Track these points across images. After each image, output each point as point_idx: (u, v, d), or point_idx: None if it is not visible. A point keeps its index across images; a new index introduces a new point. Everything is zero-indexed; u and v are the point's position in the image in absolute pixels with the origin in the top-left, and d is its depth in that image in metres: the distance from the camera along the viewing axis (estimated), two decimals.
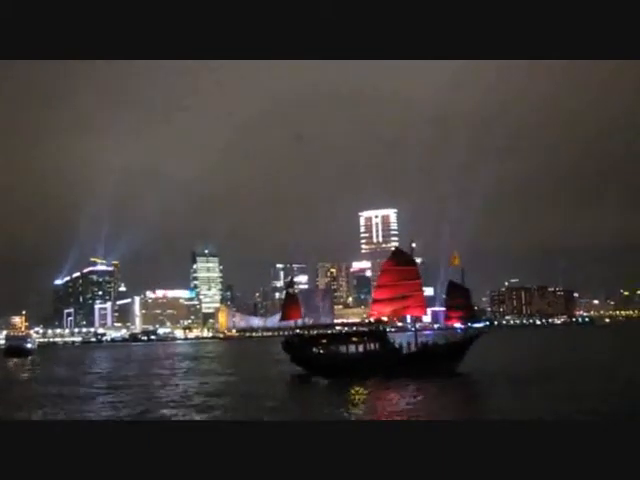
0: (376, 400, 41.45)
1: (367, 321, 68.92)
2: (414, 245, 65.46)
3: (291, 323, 72.69)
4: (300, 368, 62.22)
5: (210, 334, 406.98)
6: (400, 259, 64.74)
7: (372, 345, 59.03)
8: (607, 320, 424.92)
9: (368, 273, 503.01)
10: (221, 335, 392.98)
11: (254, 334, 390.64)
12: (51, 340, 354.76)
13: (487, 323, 76.77)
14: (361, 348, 59.14)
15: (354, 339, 60.56)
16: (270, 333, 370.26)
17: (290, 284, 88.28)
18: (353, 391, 45.71)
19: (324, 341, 62.65)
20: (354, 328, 70.81)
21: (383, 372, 53.67)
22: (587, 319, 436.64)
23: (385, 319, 68.89)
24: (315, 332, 70.18)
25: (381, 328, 63.28)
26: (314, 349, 61.70)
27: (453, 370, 55.86)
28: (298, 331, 70.95)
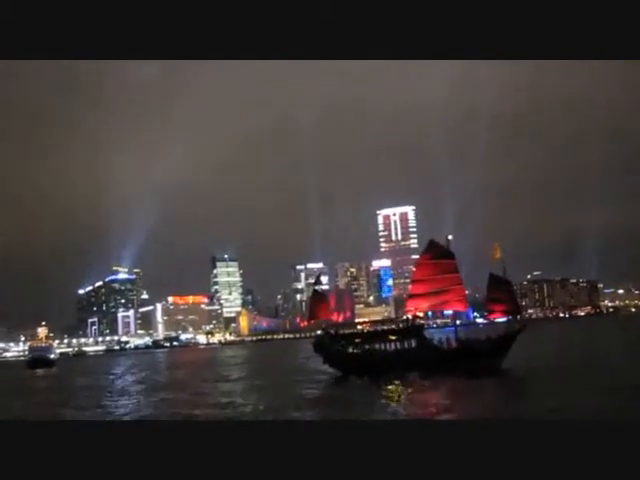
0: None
1: (404, 318, 66.02)
2: (450, 238, 62.43)
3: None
4: (334, 370, 59.88)
5: (232, 338, 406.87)
6: (436, 252, 61.00)
7: (409, 342, 56.76)
8: (633, 310, 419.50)
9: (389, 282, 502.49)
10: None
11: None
12: (82, 349, 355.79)
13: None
14: (398, 346, 56.94)
15: (391, 337, 58.26)
16: (288, 335, 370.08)
17: (317, 282, 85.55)
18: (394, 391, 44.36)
19: (358, 340, 59.95)
20: (376, 327, 68.16)
21: (423, 370, 51.62)
22: (611, 309, 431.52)
23: (421, 315, 66.76)
24: (343, 331, 67.21)
25: (417, 324, 60.53)
26: (349, 349, 59.30)
27: (497, 367, 53.16)
28: (319, 332, 69.18)
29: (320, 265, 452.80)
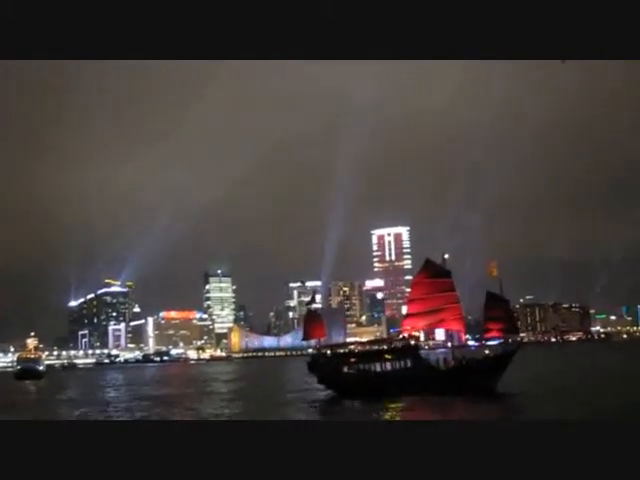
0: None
1: (401, 337, 64.57)
2: (447, 257, 61.84)
3: (303, 344, 69.72)
4: (329, 390, 59.48)
5: (221, 354, 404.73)
6: (433, 271, 60.78)
7: (405, 362, 56.53)
8: (625, 336, 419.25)
9: (379, 295, 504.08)
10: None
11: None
12: (73, 362, 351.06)
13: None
14: (394, 365, 56.73)
15: (386, 356, 57.98)
16: (279, 353, 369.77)
17: (312, 300, 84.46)
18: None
19: (353, 360, 59.75)
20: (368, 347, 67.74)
21: (419, 390, 51.34)
22: (603, 335, 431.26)
23: (417, 334, 65.93)
24: (338, 351, 66.84)
25: (412, 343, 60.39)
26: (344, 368, 58.96)
27: (493, 387, 53.18)
28: (311, 351, 68.71)
29: (318, 283, 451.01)
